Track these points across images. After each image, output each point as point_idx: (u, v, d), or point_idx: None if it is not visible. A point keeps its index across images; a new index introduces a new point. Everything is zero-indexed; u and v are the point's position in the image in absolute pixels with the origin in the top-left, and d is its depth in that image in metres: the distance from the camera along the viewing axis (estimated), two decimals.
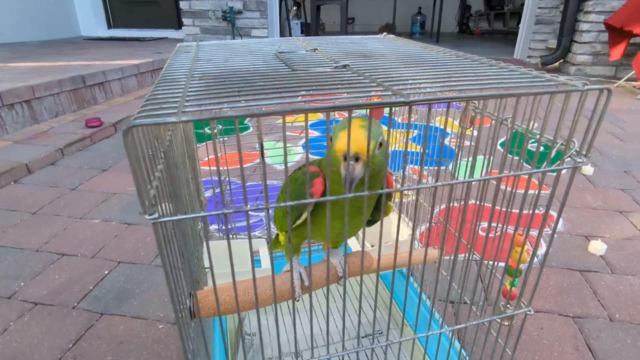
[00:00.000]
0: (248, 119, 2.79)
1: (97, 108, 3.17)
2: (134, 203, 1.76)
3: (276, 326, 0.52)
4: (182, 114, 0.36)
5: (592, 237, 1.53)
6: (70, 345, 1.06)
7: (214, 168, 1.16)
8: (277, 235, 0.89)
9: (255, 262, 1.04)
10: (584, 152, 0.49)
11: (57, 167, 2.19)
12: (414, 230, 0.54)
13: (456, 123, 0.71)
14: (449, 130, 2.35)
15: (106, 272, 1.34)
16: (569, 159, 0.50)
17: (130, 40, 5.82)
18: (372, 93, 0.42)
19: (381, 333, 1.03)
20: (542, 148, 0.52)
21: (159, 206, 0.41)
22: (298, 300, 0.60)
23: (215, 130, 1.11)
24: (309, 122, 2.80)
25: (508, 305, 0.63)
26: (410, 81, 0.48)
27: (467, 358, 0.77)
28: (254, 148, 2.38)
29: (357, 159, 0.45)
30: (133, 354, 1.03)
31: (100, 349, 1.05)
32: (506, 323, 0.62)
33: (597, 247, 1.43)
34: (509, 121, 0.60)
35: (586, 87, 0.44)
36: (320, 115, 2.88)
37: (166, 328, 1.12)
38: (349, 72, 0.54)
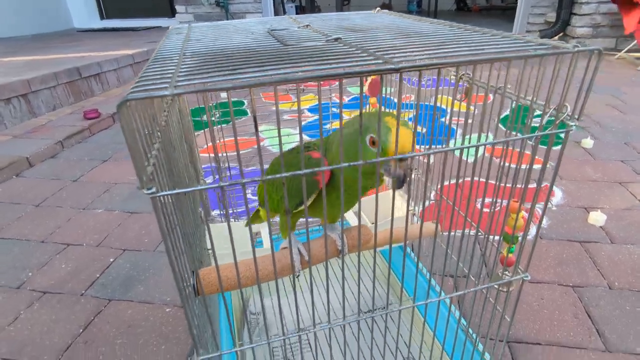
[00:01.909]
0: (246, 105, 2.78)
1: (95, 100, 3.16)
2: (136, 192, 1.78)
3: (277, 300, 0.53)
4: (175, 87, 0.37)
5: (591, 208, 1.54)
6: (81, 330, 1.09)
7: (213, 155, 1.17)
8: (257, 210, 0.88)
9: (257, 242, 1.05)
10: (576, 116, 0.49)
11: (58, 160, 2.20)
12: (408, 203, 0.55)
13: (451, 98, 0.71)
14: (443, 106, 2.34)
15: (111, 259, 1.36)
16: (561, 123, 0.51)
17: (124, 31, 5.75)
18: (363, 62, 0.42)
19: (383, 308, 1.04)
20: (537, 117, 0.52)
21: (158, 183, 0.42)
22: (298, 276, 0.61)
23: (213, 118, 1.11)
24: (307, 106, 2.79)
25: (506, 272, 0.65)
26: (401, 50, 0.48)
27: (467, 325, 0.79)
28: (252, 133, 2.38)
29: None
30: (142, 337, 1.06)
31: (110, 333, 1.08)
32: (504, 289, 0.64)
33: (596, 218, 1.44)
34: (502, 90, 0.60)
35: (576, 49, 0.44)
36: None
37: (173, 311, 1.14)
38: (340, 44, 0.54)
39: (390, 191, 1.02)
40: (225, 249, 0.64)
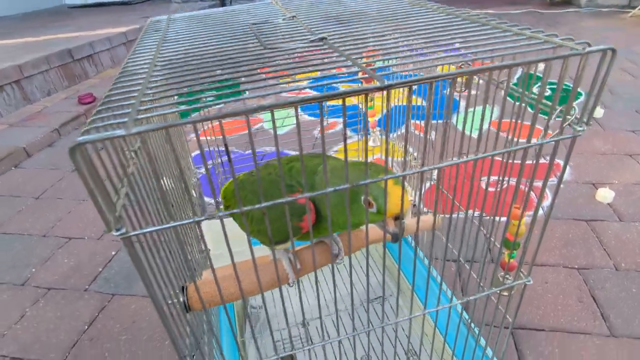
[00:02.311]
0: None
1: (89, 82, 3.10)
2: None
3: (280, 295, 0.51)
4: (135, 121, 0.33)
5: (599, 184, 1.50)
6: (86, 327, 1.10)
7: (202, 138, 1.13)
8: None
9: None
10: (584, 120, 0.45)
11: (55, 148, 2.18)
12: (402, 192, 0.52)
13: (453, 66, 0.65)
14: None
15: (113, 252, 1.36)
16: (568, 127, 0.46)
17: (116, 5, 5.57)
18: (346, 75, 0.38)
19: (381, 297, 1.04)
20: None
21: (131, 217, 0.39)
22: (292, 286, 0.60)
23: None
24: (306, 82, 2.70)
25: (507, 277, 0.62)
26: (391, 54, 0.43)
27: (469, 319, 0.77)
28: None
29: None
30: (146, 333, 1.07)
31: (115, 329, 1.09)
32: (505, 294, 0.61)
33: (604, 194, 1.40)
34: (504, 84, 0.56)
35: (587, 50, 0.40)
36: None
37: None
38: (325, 46, 0.49)
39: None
40: (221, 248, 0.61)
